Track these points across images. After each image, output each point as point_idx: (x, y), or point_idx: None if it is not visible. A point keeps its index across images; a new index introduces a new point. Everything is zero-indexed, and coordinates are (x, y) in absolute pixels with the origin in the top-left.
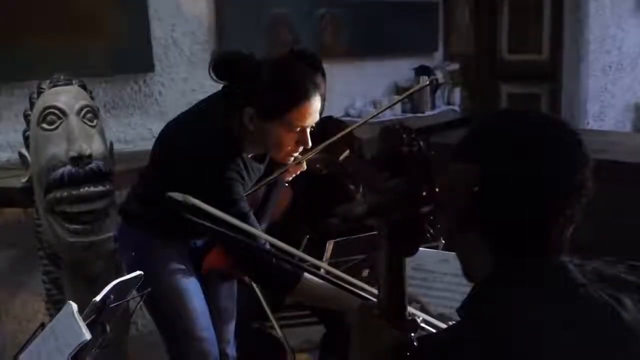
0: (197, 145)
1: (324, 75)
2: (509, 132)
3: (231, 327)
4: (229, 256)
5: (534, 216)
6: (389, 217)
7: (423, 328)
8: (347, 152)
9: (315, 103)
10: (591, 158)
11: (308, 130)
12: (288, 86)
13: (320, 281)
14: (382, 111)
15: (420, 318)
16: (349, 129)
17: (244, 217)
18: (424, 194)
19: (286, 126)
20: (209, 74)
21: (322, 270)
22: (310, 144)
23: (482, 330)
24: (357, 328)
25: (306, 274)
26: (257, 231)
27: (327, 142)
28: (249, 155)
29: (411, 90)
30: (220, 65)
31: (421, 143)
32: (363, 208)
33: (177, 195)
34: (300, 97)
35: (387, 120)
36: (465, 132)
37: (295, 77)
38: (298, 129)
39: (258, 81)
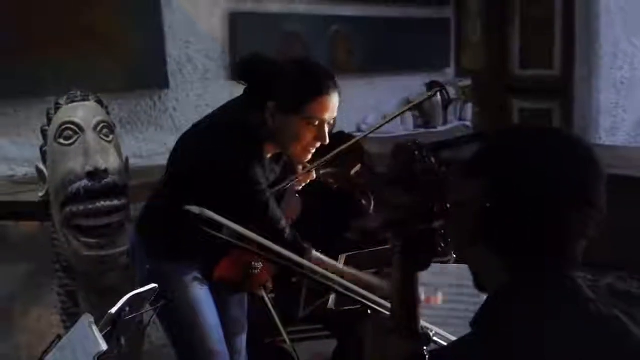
0: (216, 140)
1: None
2: (520, 149)
3: (242, 339)
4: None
5: (545, 231)
6: (402, 232)
7: (435, 342)
8: (358, 167)
9: (334, 98)
10: (605, 173)
11: (326, 126)
12: (309, 79)
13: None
14: (388, 121)
15: (433, 332)
16: (355, 139)
17: (266, 202)
18: (436, 209)
19: (306, 119)
20: (235, 77)
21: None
22: (327, 140)
23: (491, 344)
24: (371, 341)
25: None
26: (271, 243)
27: (336, 151)
28: (268, 156)
29: (418, 100)
30: (243, 67)
31: (433, 159)
32: (377, 223)
33: (195, 209)
34: (321, 90)
35: (399, 135)
36: (477, 148)
37: (316, 71)
38: (317, 123)
39: (279, 76)
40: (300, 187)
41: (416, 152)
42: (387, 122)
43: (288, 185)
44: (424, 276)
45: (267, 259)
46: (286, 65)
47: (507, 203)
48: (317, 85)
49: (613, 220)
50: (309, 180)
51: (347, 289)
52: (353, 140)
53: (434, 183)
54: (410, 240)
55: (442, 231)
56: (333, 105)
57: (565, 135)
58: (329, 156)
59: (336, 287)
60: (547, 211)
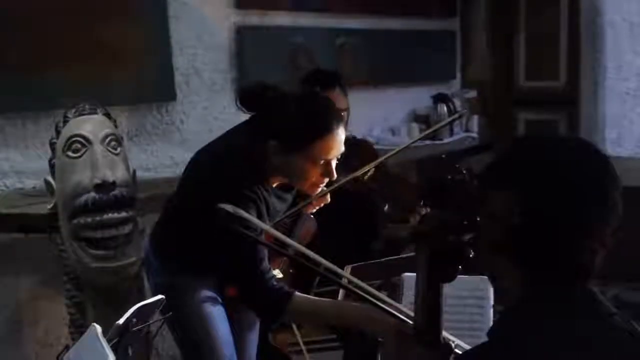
0: (222, 176)
1: (343, 88)
2: (549, 162)
3: (253, 351)
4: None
5: (572, 245)
6: (433, 244)
7: (457, 353)
8: (372, 171)
9: (339, 136)
10: (621, 183)
11: (333, 162)
12: (312, 120)
13: (315, 300)
14: (416, 140)
15: (455, 342)
16: (380, 160)
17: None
18: (466, 222)
19: (310, 159)
20: (235, 104)
21: (344, 279)
22: (335, 175)
23: (507, 356)
24: (393, 351)
25: (298, 295)
26: (297, 243)
27: (356, 174)
28: (274, 185)
29: (444, 122)
30: (246, 97)
31: (465, 172)
32: (408, 233)
33: (227, 207)
34: (324, 131)
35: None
36: (502, 159)
37: (319, 110)
38: (322, 162)
39: (282, 114)
40: (314, 210)
41: (449, 165)
42: (415, 141)
43: (301, 209)
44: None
45: (298, 264)
46: (289, 102)
47: (536, 216)
48: (320, 126)
49: (621, 232)
50: (322, 204)
51: (380, 300)
52: (379, 160)
53: (466, 196)
54: (439, 251)
55: (472, 243)
56: (338, 143)
57: (585, 146)
58: (346, 179)
59: (370, 298)
60: (575, 225)
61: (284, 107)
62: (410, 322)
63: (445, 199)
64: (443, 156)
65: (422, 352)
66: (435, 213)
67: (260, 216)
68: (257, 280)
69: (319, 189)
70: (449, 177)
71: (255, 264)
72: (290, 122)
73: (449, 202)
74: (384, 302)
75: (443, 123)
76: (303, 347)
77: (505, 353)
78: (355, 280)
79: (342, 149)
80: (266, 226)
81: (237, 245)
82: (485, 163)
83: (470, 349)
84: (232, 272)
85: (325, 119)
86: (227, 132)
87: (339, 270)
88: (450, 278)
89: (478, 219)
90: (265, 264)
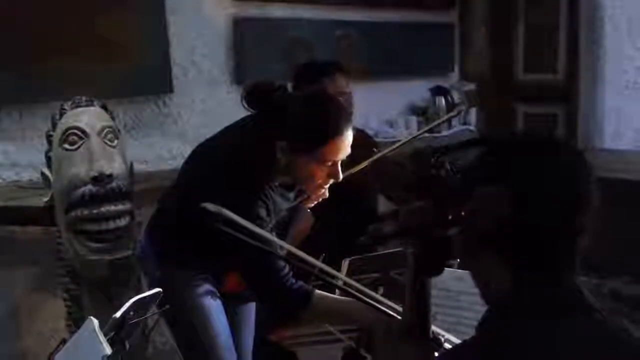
0: (232, 175)
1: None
2: (535, 158)
3: (249, 342)
4: (243, 278)
5: (556, 240)
6: (418, 237)
7: (446, 347)
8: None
9: (348, 137)
10: (593, 168)
11: (339, 163)
12: (321, 122)
13: (332, 300)
14: (418, 135)
15: (444, 337)
16: (384, 152)
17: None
18: (451, 216)
19: (319, 161)
20: (241, 103)
21: (340, 281)
22: (341, 177)
23: (493, 353)
24: (383, 345)
25: (317, 293)
26: (286, 244)
27: (360, 166)
28: (277, 184)
29: (444, 118)
30: (253, 95)
31: (449, 166)
32: (393, 227)
33: (211, 207)
34: (334, 133)
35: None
36: (491, 155)
37: (329, 113)
38: (330, 163)
39: (291, 115)
40: (312, 205)
41: (433, 159)
42: (419, 135)
43: (298, 203)
44: (446, 282)
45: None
46: (298, 103)
47: (523, 213)
48: (329, 128)
49: (617, 224)
50: (321, 199)
51: (369, 297)
52: (384, 152)
53: (450, 190)
54: (424, 246)
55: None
56: (347, 144)
57: (561, 141)
58: (347, 172)
59: (360, 296)
60: (560, 221)
61: (293, 109)
62: (395, 314)
63: (430, 193)
64: (427, 150)
65: (410, 346)
66: (420, 207)
67: (268, 215)
68: (275, 280)
69: (322, 190)
70: (434, 171)
71: (271, 262)
72: (300, 125)
73: (434, 196)
74: (375, 299)
75: (442, 119)
76: (324, 337)
77: (497, 350)
78: (348, 280)
79: (349, 150)
80: (259, 229)
81: (248, 247)
82: (472, 158)
83: (460, 343)
84: (249, 273)
85: (335, 122)
86: (230, 127)
87: (335, 272)
88: (436, 273)
89: (463, 213)
90: (280, 261)
